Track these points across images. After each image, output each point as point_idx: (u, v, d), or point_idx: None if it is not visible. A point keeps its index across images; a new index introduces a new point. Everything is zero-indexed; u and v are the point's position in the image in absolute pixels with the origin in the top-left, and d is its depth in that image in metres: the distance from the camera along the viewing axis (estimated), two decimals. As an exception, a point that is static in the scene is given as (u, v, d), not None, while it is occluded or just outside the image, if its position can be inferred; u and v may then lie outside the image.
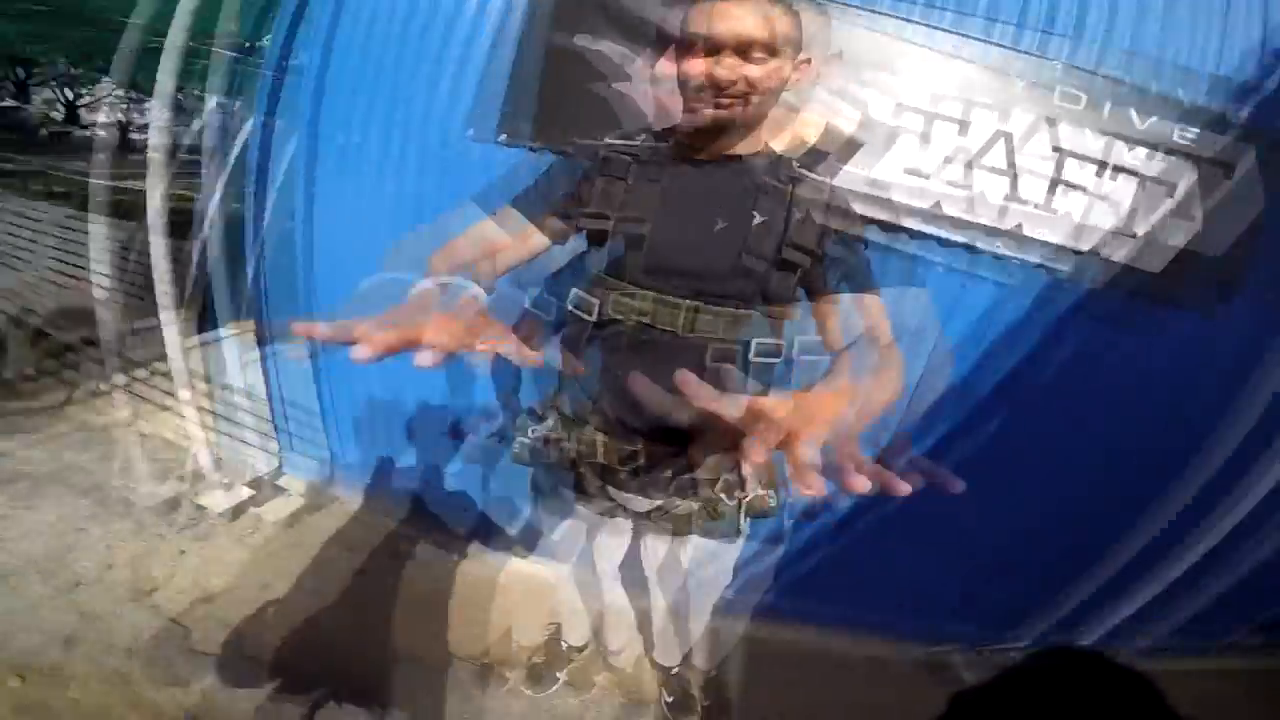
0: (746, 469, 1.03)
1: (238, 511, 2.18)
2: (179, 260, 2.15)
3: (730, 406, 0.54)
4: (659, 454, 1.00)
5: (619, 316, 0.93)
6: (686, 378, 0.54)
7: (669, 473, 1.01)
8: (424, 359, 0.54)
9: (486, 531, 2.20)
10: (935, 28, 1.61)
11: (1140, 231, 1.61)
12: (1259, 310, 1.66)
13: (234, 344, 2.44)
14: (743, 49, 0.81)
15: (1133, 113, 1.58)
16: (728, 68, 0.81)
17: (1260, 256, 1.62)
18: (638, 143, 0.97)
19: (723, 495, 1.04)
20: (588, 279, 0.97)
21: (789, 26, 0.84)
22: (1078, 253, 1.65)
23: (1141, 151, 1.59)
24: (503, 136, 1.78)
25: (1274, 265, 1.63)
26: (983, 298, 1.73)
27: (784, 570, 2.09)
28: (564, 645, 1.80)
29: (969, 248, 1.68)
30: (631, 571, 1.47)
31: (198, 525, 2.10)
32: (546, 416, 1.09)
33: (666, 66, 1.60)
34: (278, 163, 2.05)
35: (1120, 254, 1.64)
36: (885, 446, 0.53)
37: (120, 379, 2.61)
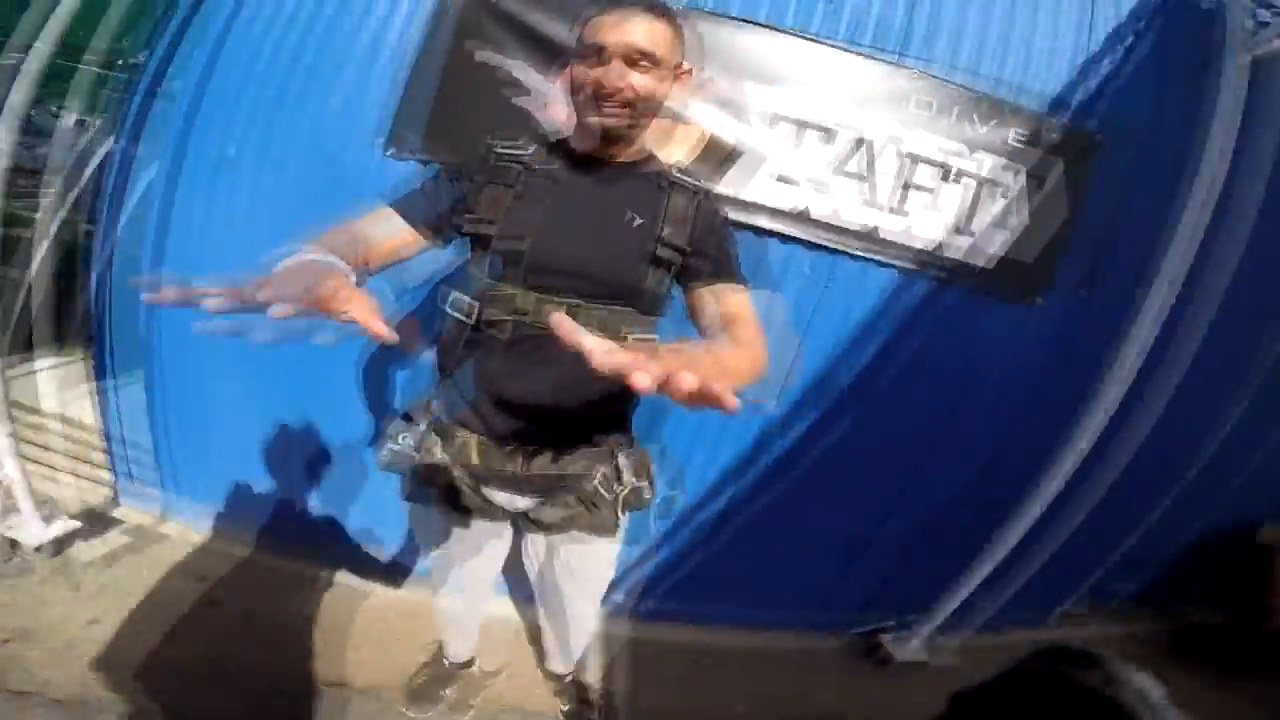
0: (623, 460, 1.05)
1: (60, 546, 1.88)
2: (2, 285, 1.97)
3: (601, 349, 0.51)
4: (534, 453, 1.00)
5: (500, 317, 0.94)
6: (560, 318, 0.52)
7: (545, 470, 1.01)
8: (278, 310, 0.52)
9: (348, 555, 2.07)
10: (805, 37, 1.73)
11: (974, 228, 1.81)
12: (1070, 303, 1.93)
13: (61, 373, 2.26)
14: (630, 59, 0.86)
15: (974, 118, 1.78)
16: (616, 75, 0.86)
17: (1072, 255, 1.88)
18: (527, 151, 0.99)
19: (599, 488, 1.04)
20: (467, 283, 0.98)
21: (673, 39, 0.90)
22: (924, 251, 1.83)
23: (981, 155, 1.79)
24: (391, 150, 1.72)
25: (1082, 263, 1.90)
26: (841, 297, 1.88)
27: (666, 571, 2.13)
28: (446, 663, 1.69)
29: (832, 250, 1.82)
30: (514, 580, 1.41)
31: (9, 561, 1.80)
32: (418, 422, 1.06)
33: (565, 80, 1.62)
34: (135, 185, 1.89)
35: (958, 252, 1.83)
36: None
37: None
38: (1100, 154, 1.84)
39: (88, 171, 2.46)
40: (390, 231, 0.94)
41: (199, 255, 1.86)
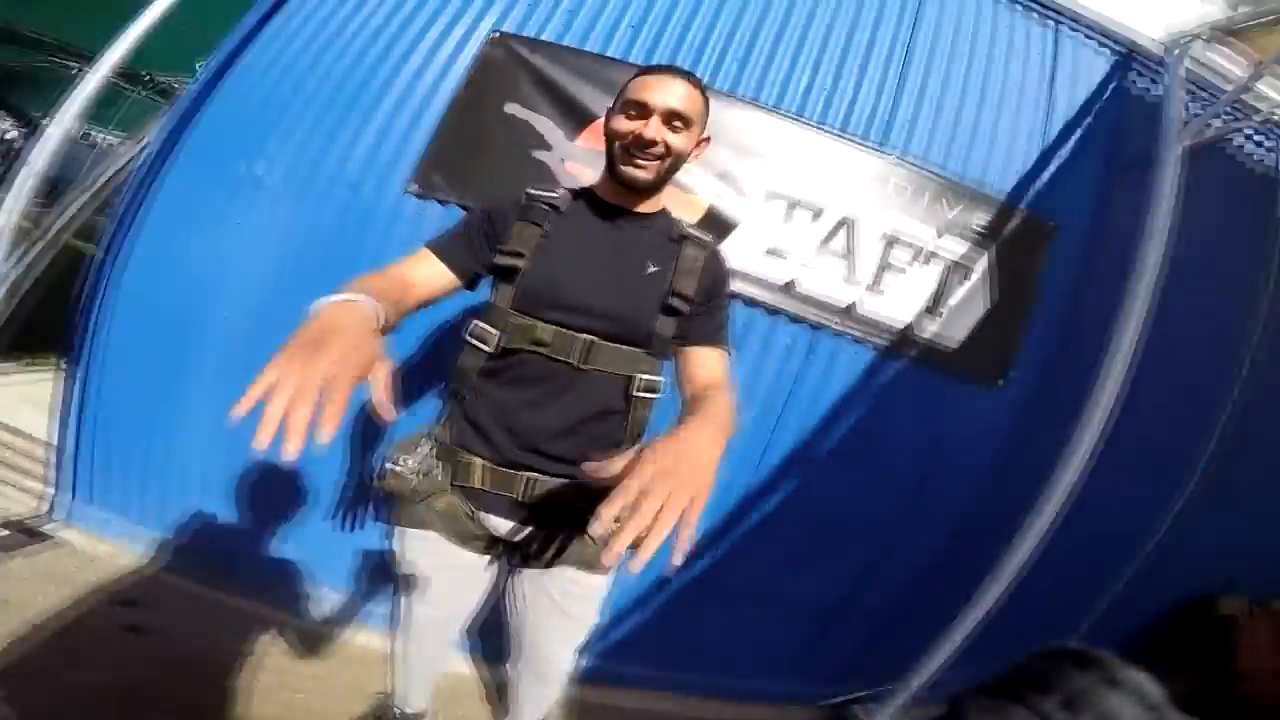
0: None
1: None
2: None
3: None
4: (537, 481, 1.02)
5: (520, 346, 0.99)
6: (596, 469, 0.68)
7: (546, 499, 1.02)
8: (324, 435, 0.54)
9: (291, 594, 1.94)
10: (801, 121, 1.97)
11: (944, 310, 1.99)
12: (1032, 382, 2.10)
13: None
14: (668, 117, 0.97)
15: (944, 203, 2.00)
16: (655, 129, 0.96)
17: (1032, 336, 2.07)
18: (556, 195, 1.08)
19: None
20: (489, 313, 1.02)
21: (703, 108, 1.02)
22: (896, 330, 1.98)
23: (948, 240, 2.01)
24: (414, 188, 1.84)
25: (1043, 344, 2.09)
26: (819, 370, 2.00)
27: (638, 635, 2.05)
28: (397, 712, 1.53)
29: (813, 324, 1.96)
30: (479, 636, 1.31)
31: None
32: (420, 445, 1.07)
33: (585, 141, 1.83)
34: (150, 200, 1.94)
35: (928, 333, 2.00)
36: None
37: None
38: (1055, 240, 2.09)
39: (98, 183, 2.56)
40: (429, 275, 1.01)
41: (203, 273, 1.88)
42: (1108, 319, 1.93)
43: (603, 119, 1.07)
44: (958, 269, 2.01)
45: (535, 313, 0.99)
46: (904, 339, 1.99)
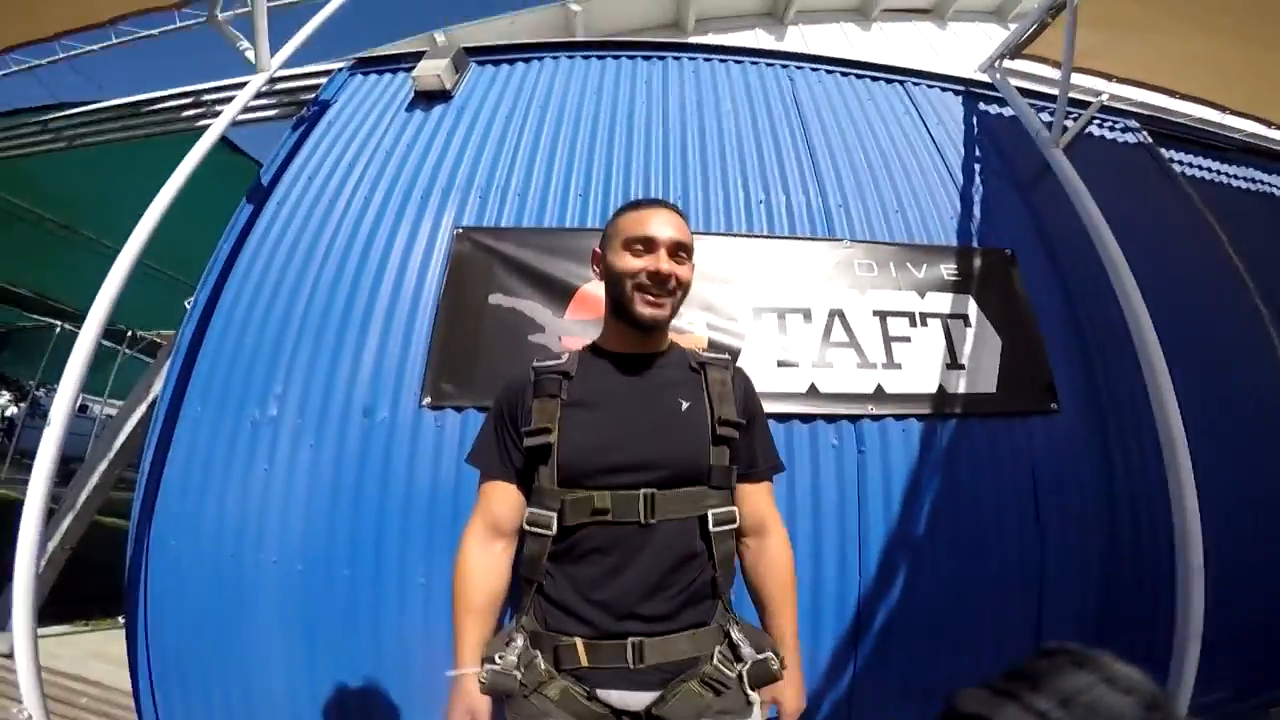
0: (735, 634, 0.99)
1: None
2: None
3: None
4: (643, 645, 0.93)
5: (582, 520, 0.96)
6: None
7: (659, 660, 0.94)
8: None
9: None
10: (753, 235, 2.15)
11: (965, 360, 1.99)
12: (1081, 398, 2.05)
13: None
14: (673, 250, 0.99)
15: (909, 265, 2.11)
16: (668, 263, 0.98)
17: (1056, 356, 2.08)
18: (563, 360, 1.06)
19: (722, 667, 0.96)
20: (540, 497, 0.99)
21: (689, 234, 1.05)
22: (930, 395, 1.95)
23: (932, 296, 2.08)
24: (427, 400, 1.86)
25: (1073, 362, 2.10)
26: (877, 457, 1.91)
27: None
28: None
29: (850, 418, 1.92)
30: None
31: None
32: (513, 639, 0.98)
33: (574, 312, 1.91)
34: (175, 452, 1.96)
35: (961, 386, 1.98)
36: None
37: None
38: (1018, 266, 2.21)
39: (116, 444, 2.70)
40: (514, 505, 1.02)
41: (243, 523, 1.82)
42: (1115, 314, 1.99)
43: (596, 271, 1.08)
44: (955, 319, 2.06)
45: (584, 483, 0.96)
46: (942, 400, 1.95)
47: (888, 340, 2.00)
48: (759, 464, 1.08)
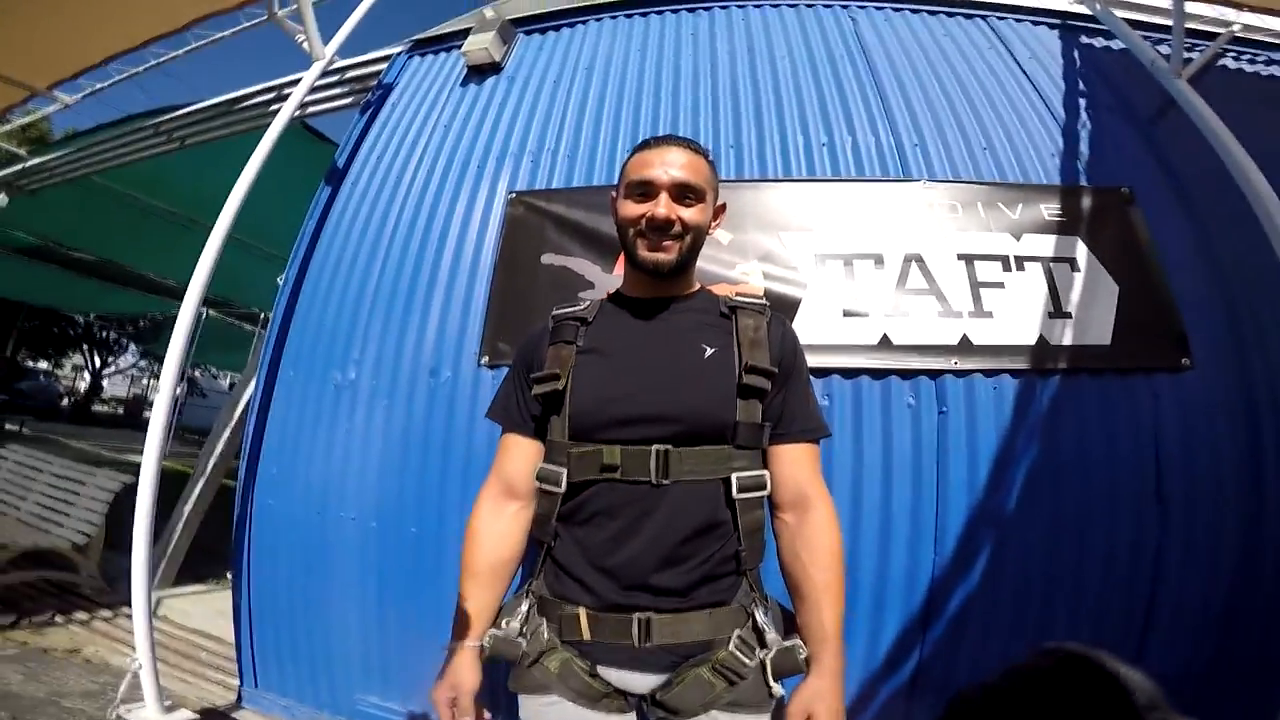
0: (761, 617, 0.88)
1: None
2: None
3: None
4: (652, 621, 0.84)
5: (590, 477, 0.88)
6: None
7: (668, 640, 0.85)
8: None
9: None
10: (814, 179, 1.99)
11: (1072, 309, 1.72)
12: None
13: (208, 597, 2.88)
14: (676, 192, 0.91)
15: (1000, 206, 1.85)
16: (666, 208, 0.90)
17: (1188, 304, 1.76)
18: (582, 306, 1.01)
19: (738, 654, 0.85)
20: (551, 450, 0.93)
21: (708, 170, 0.95)
22: (1029, 346, 1.71)
23: (1030, 238, 1.81)
24: (485, 359, 1.91)
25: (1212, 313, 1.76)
26: (962, 419, 1.71)
27: None
28: None
29: (930, 373, 1.72)
30: None
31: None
32: (520, 604, 0.94)
33: (621, 269, 1.86)
34: (270, 423, 2.15)
35: (1068, 337, 1.71)
36: None
37: (82, 615, 2.75)
38: (1137, 205, 1.88)
39: (232, 421, 3.03)
40: (531, 462, 0.95)
41: (326, 480, 1.99)
42: (1259, 255, 1.64)
43: (615, 219, 1.01)
44: (1060, 263, 1.79)
45: (594, 436, 0.89)
46: (1042, 353, 1.70)
47: (975, 286, 1.77)
48: (796, 424, 0.94)
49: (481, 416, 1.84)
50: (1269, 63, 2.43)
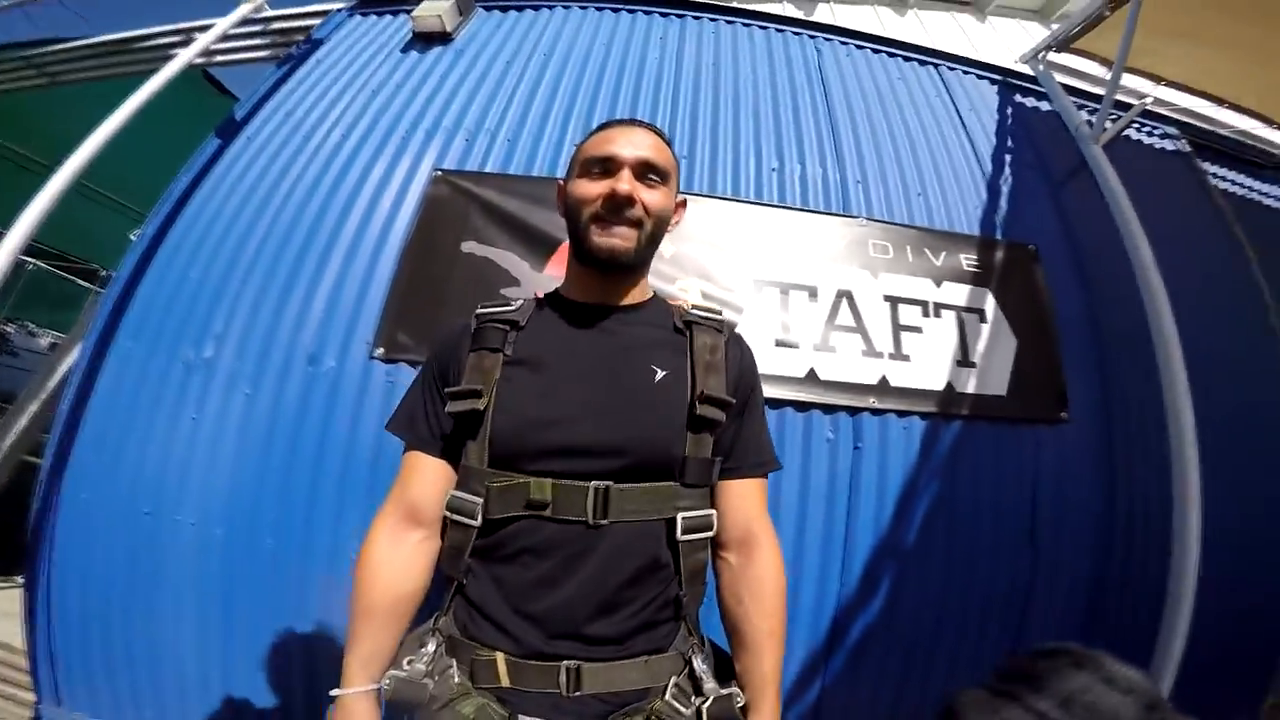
0: (699, 665, 0.79)
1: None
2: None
3: None
4: (581, 668, 0.75)
5: (513, 513, 0.76)
6: None
7: (599, 689, 0.76)
8: None
9: None
10: (761, 203, 1.97)
11: (977, 358, 1.82)
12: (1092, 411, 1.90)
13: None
14: (640, 170, 0.80)
15: (927, 252, 1.93)
16: (629, 183, 0.79)
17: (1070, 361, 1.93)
18: (514, 307, 0.86)
19: (675, 703, 0.76)
20: (466, 476, 0.80)
21: (673, 159, 0.86)
22: (938, 392, 1.79)
23: (949, 285, 1.90)
24: (379, 351, 1.67)
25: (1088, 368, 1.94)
26: (874, 456, 1.75)
27: None
28: None
29: (850, 410, 1.75)
30: None
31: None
32: (426, 642, 0.79)
33: (555, 267, 1.73)
34: (95, 394, 1.76)
35: (970, 385, 1.81)
36: None
37: None
38: (1040, 263, 2.04)
39: (44, 392, 2.41)
40: (439, 486, 0.82)
41: (162, 478, 1.64)
42: (1134, 322, 1.83)
43: (560, 209, 0.89)
44: (971, 313, 1.89)
45: (519, 466, 0.76)
46: (949, 399, 1.78)
47: (897, 328, 1.83)
48: (749, 458, 0.86)
49: (367, 416, 1.61)
50: (1164, 136, 2.77)
